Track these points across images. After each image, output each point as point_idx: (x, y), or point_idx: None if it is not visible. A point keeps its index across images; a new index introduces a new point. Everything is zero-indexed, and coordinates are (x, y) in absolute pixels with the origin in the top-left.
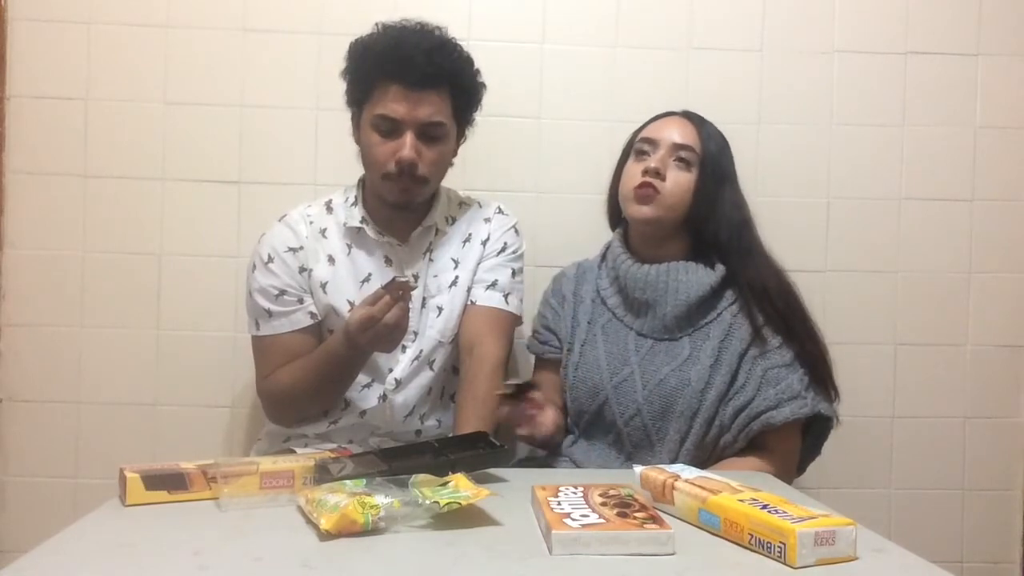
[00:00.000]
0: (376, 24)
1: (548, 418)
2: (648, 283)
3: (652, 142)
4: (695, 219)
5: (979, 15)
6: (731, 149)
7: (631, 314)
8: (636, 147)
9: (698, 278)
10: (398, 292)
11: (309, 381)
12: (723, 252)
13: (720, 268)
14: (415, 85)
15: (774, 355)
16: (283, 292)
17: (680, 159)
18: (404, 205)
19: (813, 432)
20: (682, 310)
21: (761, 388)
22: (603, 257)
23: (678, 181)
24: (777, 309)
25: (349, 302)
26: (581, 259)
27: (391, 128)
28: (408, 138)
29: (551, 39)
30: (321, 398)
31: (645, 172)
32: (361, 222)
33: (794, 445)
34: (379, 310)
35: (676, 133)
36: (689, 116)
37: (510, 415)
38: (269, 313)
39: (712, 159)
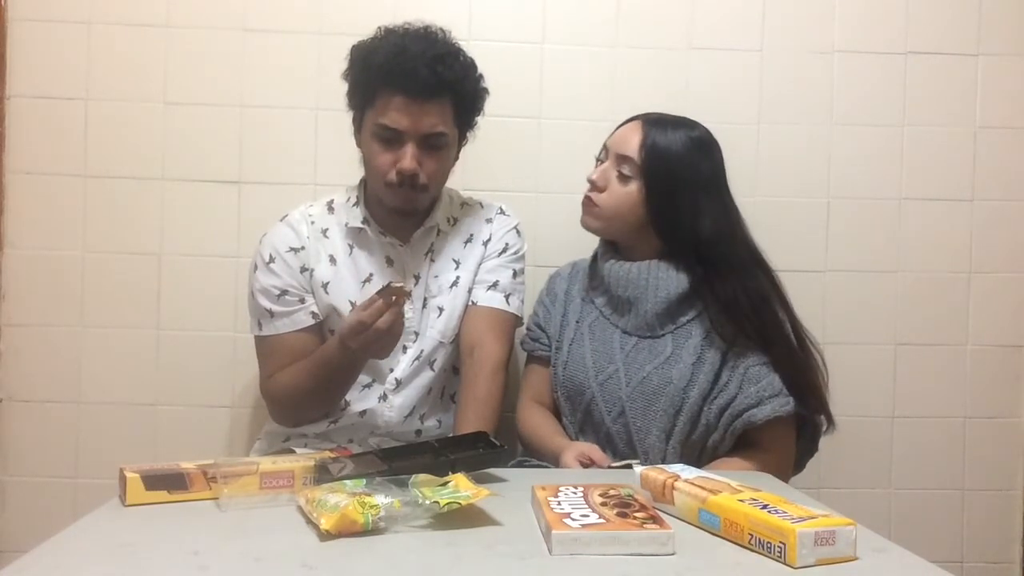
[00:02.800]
0: (379, 28)
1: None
2: (629, 280)
3: (606, 149)
4: (656, 226)
5: (979, 15)
6: (707, 154)
7: (616, 312)
8: (601, 152)
9: (676, 275)
10: (391, 297)
11: (308, 383)
12: (699, 255)
13: (686, 276)
14: (417, 96)
15: (756, 352)
16: (285, 292)
17: (620, 172)
18: (405, 212)
19: (807, 430)
20: (662, 307)
21: (743, 386)
22: (595, 256)
23: (615, 193)
24: (746, 325)
25: (351, 302)
26: (578, 259)
27: (393, 137)
28: (409, 149)
29: (551, 39)
30: (321, 400)
31: (589, 182)
32: (363, 222)
33: (787, 443)
34: (370, 315)
35: (622, 143)
36: (647, 122)
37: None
38: (271, 313)
39: (656, 170)
